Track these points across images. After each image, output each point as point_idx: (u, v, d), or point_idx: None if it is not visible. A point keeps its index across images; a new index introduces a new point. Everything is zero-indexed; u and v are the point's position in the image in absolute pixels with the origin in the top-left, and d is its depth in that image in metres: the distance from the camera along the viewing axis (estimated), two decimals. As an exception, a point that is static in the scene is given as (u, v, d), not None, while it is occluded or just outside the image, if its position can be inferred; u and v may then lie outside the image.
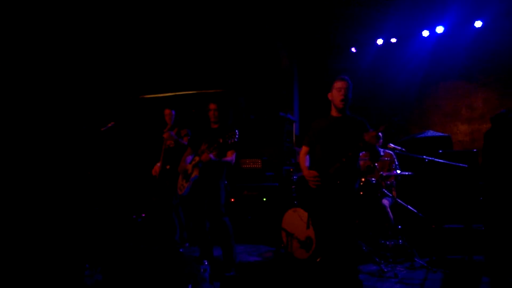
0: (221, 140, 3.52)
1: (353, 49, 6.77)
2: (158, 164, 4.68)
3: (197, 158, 3.82)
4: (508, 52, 5.70)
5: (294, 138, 6.77)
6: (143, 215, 5.18)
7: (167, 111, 4.73)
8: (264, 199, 5.47)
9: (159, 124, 4.83)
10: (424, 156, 4.18)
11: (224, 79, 6.95)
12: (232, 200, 5.44)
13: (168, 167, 4.52)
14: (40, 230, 4.96)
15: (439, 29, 5.97)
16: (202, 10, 6.12)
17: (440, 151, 4.70)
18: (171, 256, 4.41)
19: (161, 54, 6.92)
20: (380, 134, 4.84)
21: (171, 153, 4.50)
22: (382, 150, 4.81)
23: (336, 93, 3.12)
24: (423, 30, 6.11)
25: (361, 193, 4.41)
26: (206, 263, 3.67)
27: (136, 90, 6.87)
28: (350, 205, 3.07)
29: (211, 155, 3.64)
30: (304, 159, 3.32)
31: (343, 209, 3.04)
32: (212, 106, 3.90)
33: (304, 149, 3.37)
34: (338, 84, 3.12)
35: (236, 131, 3.49)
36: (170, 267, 4.08)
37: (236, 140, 3.49)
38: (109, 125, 4.49)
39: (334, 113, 3.23)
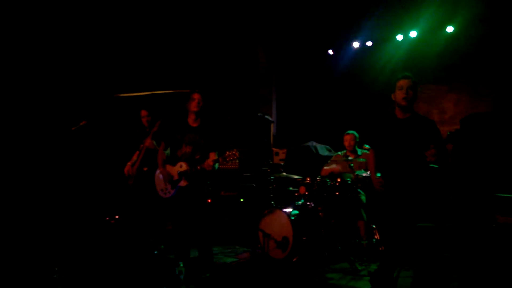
0: (220, 160, 3.54)
1: (330, 51, 6.85)
2: (129, 163, 4.58)
3: (184, 165, 3.69)
4: (478, 57, 5.91)
5: (272, 139, 6.80)
6: (117, 216, 5.07)
7: (144, 113, 4.61)
8: (241, 200, 5.46)
9: (134, 124, 4.74)
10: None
11: (202, 79, 6.89)
12: (209, 200, 5.39)
13: (145, 169, 4.42)
14: (6, 233, 4.78)
15: (413, 34, 6.12)
16: (181, 9, 6.07)
17: None
18: (146, 258, 4.34)
19: (137, 53, 6.80)
20: (355, 132, 4.94)
21: (150, 155, 4.40)
22: (359, 150, 4.90)
23: (398, 92, 3.03)
24: (397, 34, 6.25)
25: (337, 193, 4.47)
26: (181, 265, 3.63)
27: (111, 89, 6.72)
28: (419, 212, 3.02)
29: (214, 166, 3.60)
30: (372, 162, 3.25)
31: (412, 217, 3.00)
32: (197, 95, 3.71)
33: (371, 152, 3.30)
34: (400, 83, 3.04)
35: (238, 153, 3.46)
36: (144, 269, 4.01)
37: (237, 161, 3.47)
38: (81, 124, 4.36)
39: (399, 114, 3.10)
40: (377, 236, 4.33)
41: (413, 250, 3.06)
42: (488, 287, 3.29)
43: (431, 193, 3.10)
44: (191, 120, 3.81)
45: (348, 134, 4.93)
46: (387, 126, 3.13)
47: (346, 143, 4.91)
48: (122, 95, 6.63)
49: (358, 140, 4.92)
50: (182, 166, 3.71)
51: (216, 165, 3.69)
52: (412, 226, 2.99)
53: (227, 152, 3.49)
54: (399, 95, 3.03)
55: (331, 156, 5.32)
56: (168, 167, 3.80)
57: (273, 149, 6.28)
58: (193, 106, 3.72)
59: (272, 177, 4.84)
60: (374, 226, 4.39)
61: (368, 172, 4.55)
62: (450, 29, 5.91)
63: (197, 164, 3.63)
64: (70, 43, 6.21)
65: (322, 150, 6.13)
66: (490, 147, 4.33)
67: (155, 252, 4.51)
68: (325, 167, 4.98)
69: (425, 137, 2.97)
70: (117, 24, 6.19)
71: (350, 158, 4.69)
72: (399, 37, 6.27)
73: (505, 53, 5.64)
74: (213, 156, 3.69)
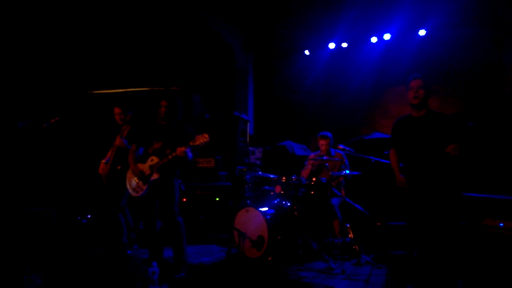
0: (191, 143, 3.54)
1: (306, 52, 6.91)
2: (103, 161, 4.47)
3: (155, 159, 3.71)
4: (449, 60, 6.10)
5: (248, 138, 6.80)
6: (89, 216, 4.94)
7: (117, 110, 4.51)
8: (217, 199, 5.43)
9: (108, 121, 4.62)
10: (371, 157, 4.36)
11: (179, 77, 6.81)
12: (184, 199, 5.34)
13: (119, 167, 4.33)
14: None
15: (387, 36, 6.27)
16: (158, 6, 5.97)
17: (386, 152, 4.92)
18: (118, 259, 4.24)
19: (113, 48, 6.64)
20: (330, 135, 5.00)
21: (122, 153, 4.32)
22: (333, 150, 4.97)
23: (409, 92, 3.21)
24: (372, 36, 6.38)
25: (312, 192, 4.52)
26: (155, 265, 3.58)
27: (84, 85, 6.53)
28: (443, 213, 3.02)
29: (187, 150, 3.60)
30: (395, 161, 3.40)
31: (435, 217, 3.01)
32: (164, 102, 3.84)
33: (392, 150, 3.45)
34: (411, 84, 3.22)
35: (207, 135, 3.50)
36: (117, 270, 3.92)
37: (207, 143, 3.50)
38: (52, 120, 4.21)
39: (413, 113, 3.26)
40: (351, 235, 4.41)
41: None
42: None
43: (450, 189, 3.15)
44: (160, 120, 3.90)
45: (322, 138, 4.93)
46: (405, 125, 3.28)
47: (322, 148, 4.94)
48: (95, 91, 6.46)
49: (331, 141, 4.97)
50: (153, 160, 3.75)
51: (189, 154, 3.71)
52: (433, 223, 3.03)
53: (197, 136, 3.51)
54: (409, 95, 3.21)
55: (307, 156, 5.37)
56: (140, 165, 3.84)
57: (249, 148, 6.28)
58: (161, 113, 3.85)
59: (248, 176, 4.84)
60: (348, 225, 4.46)
61: (344, 172, 4.63)
62: (422, 32, 6.08)
63: (169, 154, 3.64)
64: (42, 37, 6.00)
65: (298, 149, 6.19)
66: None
67: (128, 252, 4.42)
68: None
69: (442, 133, 3.06)
70: (92, 20, 6.02)
71: (325, 158, 4.75)
72: (374, 39, 6.40)
73: (475, 56, 5.86)
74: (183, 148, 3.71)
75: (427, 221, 3.04)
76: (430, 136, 3.08)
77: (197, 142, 3.53)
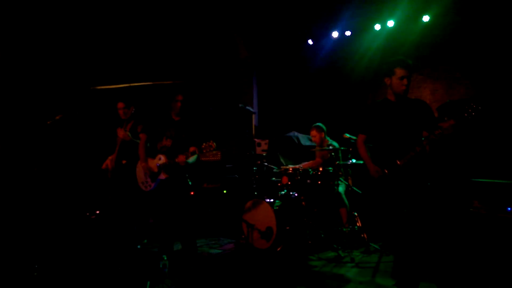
0: (197, 151, 3.52)
1: (310, 41, 6.85)
2: (111, 158, 4.48)
3: (163, 158, 3.72)
4: (454, 46, 6.02)
5: (253, 130, 6.79)
6: (97, 212, 4.97)
7: (120, 105, 4.52)
8: (225, 191, 5.45)
9: (112, 117, 4.63)
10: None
11: (182, 71, 6.79)
12: (192, 193, 5.36)
13: (124, 162, 4.35)
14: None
15: (390, 23, 6.19)
16: (161, 0, 5.93)
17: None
18: (128, 253, 4.29)
19: (115, 44, 6.62)
20: (321, 125, 5.02)
21: (127, 147, 4.34)
22: (329, 140, 4.97)
23: (397, 82, 2.89)
24: (375, 23, 6.30)
25: (319, 182, 4.52)
26: (165, 258, 3.61)
27: (87, 81, 6.53)
28: (423, 202, 2.81)
29: (188, 160, 3.61)
30: (364, 148, 3.11)
31: (415, 206, 2.80)
32: (180, 97, 3.80)
33: (362, 136, 3.14)
34: (401, 72, 2.88)
35: (215, 144, 3.45)
36: (128, 264, 3.97)
37: (213, 152, 3.47)
38: (57, 118, 4.22)
39: (392, 97, 3.00)
40: (359, 223, 4.42)
41: (395, 235, 2.97)
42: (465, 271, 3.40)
43: (430, 174, 2.93)
44: (174, 114, 3.87)
45: (312, 129, 5.03)
46: (382, 110, 3.00)
47: (313, 139, 5.03)
48: (99, 87, 6.46)
49: (324, 130, 5.00)
50: (161, 159, 3.74)
51: (194, 158, 3.70)
52: (414, 211, 2.81)
53: (204, 144, 3.50)
54: (399, 85, 2.90)
55: (313, 146, 5.37)
56: (149, 160, 3.83)
57: (255, 139, 6.27)
58: (176, 108, 3.80)
59: (254, 168, 4.85)
60: (355, 214, 4.47)
61: (351, 161, 4.61)
62: (426, 18, 6.00)
63: (174, 158, 3.65)
64: (44, 34, 5.98)
65: (304, 140, 6.17)
66: (467, 133, 4.46)
67: (138, 246, 4.46)
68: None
69: (422, 117, 2.88)
70: (94, 15, 5.99)
71: (331, 147, 4.74)
72: (377, 27, 6.32)
73: (480, 42, 5.77)
74: (191, 150, 3.69)
75: (416, 209, 2.80)
76: (413, 120, 2.87)
77: (204, 151, 3.48)
